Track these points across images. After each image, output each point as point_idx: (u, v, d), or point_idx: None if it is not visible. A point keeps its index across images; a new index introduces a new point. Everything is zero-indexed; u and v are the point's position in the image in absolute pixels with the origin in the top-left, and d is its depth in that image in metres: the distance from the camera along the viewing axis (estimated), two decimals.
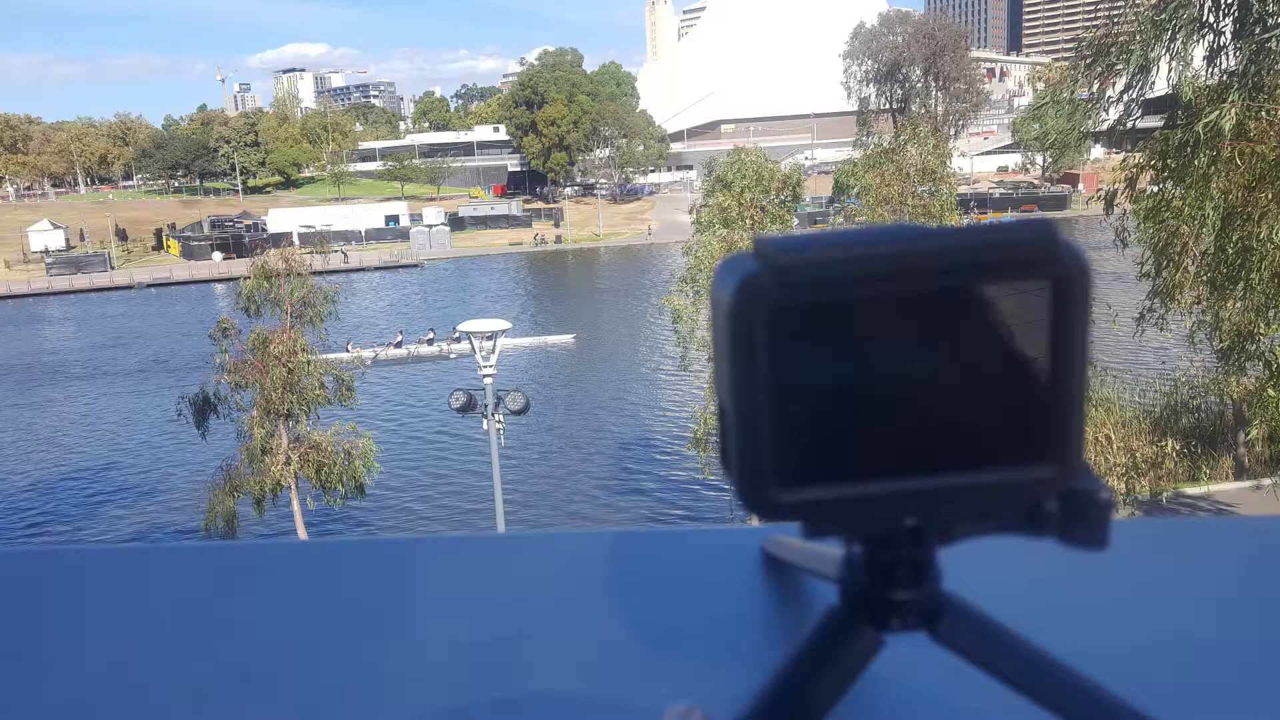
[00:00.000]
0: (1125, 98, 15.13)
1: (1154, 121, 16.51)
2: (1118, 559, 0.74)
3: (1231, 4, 13.50)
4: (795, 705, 0.43)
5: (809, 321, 0.34)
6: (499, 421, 16.29)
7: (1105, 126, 16.53)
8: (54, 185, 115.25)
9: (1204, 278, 14.94)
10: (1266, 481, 17.22)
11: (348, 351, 33.20)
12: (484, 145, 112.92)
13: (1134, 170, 15.40)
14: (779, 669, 0.44)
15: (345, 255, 68.96)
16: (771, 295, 0.34)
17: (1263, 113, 12.89)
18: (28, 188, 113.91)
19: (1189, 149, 13.53)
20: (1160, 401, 21.95)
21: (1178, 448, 18.75)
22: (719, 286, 0.35)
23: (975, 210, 68.65)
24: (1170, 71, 13.94)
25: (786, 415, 0.35)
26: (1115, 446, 18.52)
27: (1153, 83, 14.58)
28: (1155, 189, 15.29)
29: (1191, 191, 13.77)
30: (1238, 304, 14.42)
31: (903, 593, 0.43)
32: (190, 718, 0.63)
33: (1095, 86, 16.03)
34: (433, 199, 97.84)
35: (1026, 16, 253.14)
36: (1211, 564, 0.77)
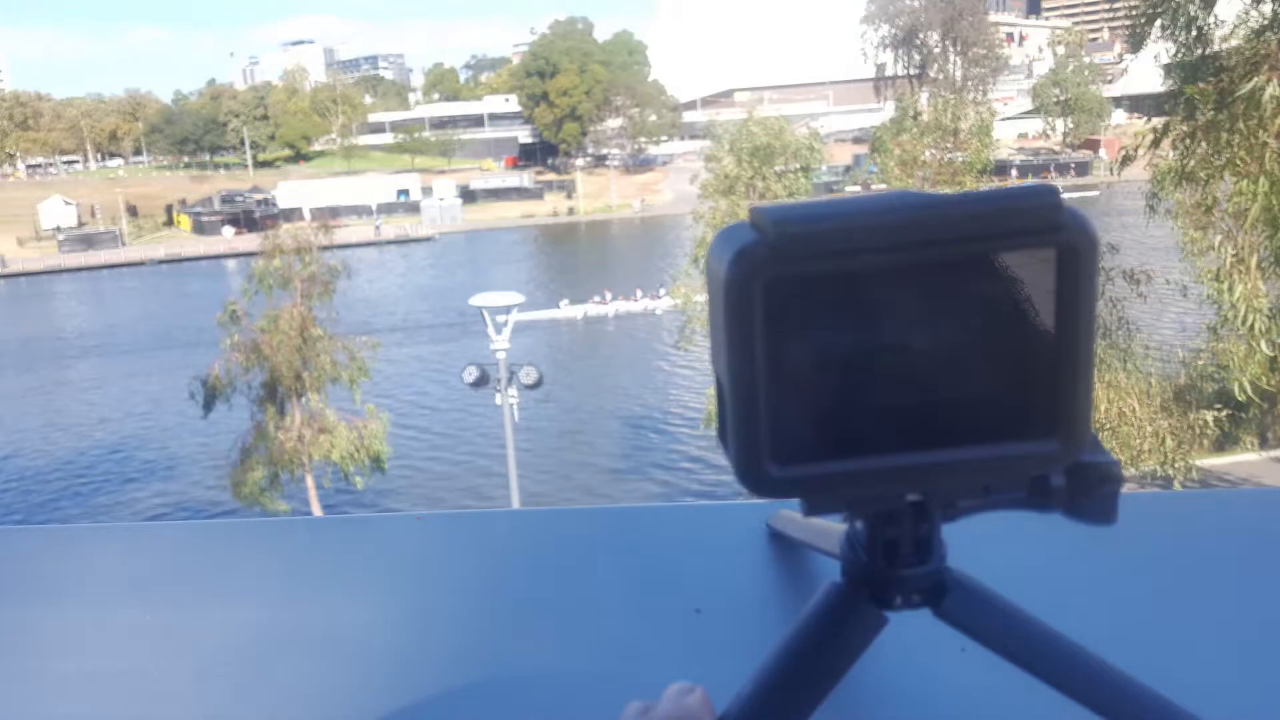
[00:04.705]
0: (1155, 57, 14.70)
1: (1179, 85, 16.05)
2: (1127, 534, 0.69)
3: None
4: (797, 682, 0.42)
5: (807, 293, 0.34)
6: (513, 396, 16.12)
7: (1133, 92, 16.11)
8: (65, 162, 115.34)
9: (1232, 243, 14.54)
10: None
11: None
12: (495, 117, 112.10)
13: (1159, 133, 14.98)
14: (780, 646, 0.43)
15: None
16: (768, 266, 0.33)
17: None
18: (38, 164, 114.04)
19: (1226, 110, 13.12)
20: (1184, 371, 21.56)
21: (1203, 421, 18.43)
22: (715, 258, 0.35)
23: (1004, 175, 67.75)
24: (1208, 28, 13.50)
25: (784, 389, 0.34)
26: (1137, 417, 18.19)
27: (1195, 39, 14.12)
28: (1182, 151, 14.88)
29: (1225, 157, 13.37)
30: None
31: (905, 569, 0.42)
32: (189, 706, 0.64)
33: (1118, 50, 15.59)
34: (443, 171, 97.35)
35: None
36: (1223, 537, 0.75)
